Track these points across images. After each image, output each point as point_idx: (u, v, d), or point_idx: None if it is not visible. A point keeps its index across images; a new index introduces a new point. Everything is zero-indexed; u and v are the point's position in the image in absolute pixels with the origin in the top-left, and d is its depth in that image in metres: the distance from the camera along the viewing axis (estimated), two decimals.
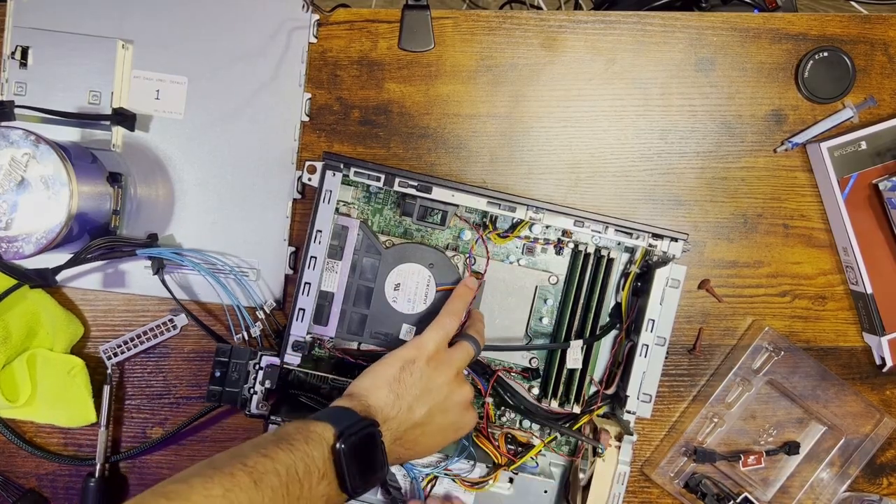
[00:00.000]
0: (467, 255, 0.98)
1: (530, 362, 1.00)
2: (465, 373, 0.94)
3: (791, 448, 1.05)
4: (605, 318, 0.99)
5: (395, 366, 0.84)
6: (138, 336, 1.02)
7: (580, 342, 0.96)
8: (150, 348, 1.03)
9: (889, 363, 1.02)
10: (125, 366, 1.04)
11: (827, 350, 1.05)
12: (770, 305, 1.05)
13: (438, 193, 0.92)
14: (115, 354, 1.02)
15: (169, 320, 1.02)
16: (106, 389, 1.02)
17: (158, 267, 0.99)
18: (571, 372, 0.97)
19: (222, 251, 1.01)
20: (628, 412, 0.94)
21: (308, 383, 0.98)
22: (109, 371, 1.02)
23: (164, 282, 0.99)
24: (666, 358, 0.95)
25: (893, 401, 1.06)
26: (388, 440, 0.80)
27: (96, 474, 1.02)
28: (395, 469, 0.96)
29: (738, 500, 1.02)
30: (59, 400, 1.00)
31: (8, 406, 0.98)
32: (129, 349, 1.02)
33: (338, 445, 0.73)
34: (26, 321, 0.98)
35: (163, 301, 1.02)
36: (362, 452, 0.75)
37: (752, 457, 1.04)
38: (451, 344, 0.89)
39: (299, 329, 0.91)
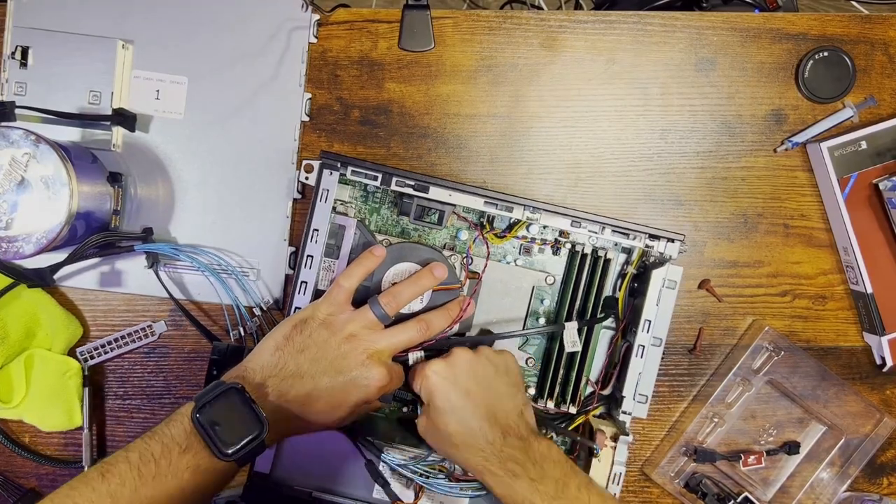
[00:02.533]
0: (465, 255, 0.98)
1: (526, 363, 1.00)
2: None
3: (791, 448, 1.04)
4: (601, 307, 0.99)
5: (286, 327, 0.87)
6: (116, 340, 1.03)
7: (575, 324, 0.95)
8: (129, 352, 1.03)
9: (889, 363, 1.02)
10: (125, 366, 1.04)
11: (827, 350, 1.05)
12: (770, 305, 1.05)
13: (436, 193, 0.92)
14: (92, 356, 1.02)
15: (147, 326, 1.03)
16: (85, 392, 1.02)
17: (153, 261, 0.99)
18: (568, 372, 0.97)
19: (222, 250, 1.02)
20: (624, 413, 0.94)
21: None
22: (86, 373, 1.02)
23: (157, 275, 1.00)
24: (663, 358, 0.95)
25: (893, 401, 1.06)
26: (273, 397, 0.82)
27: None
28: (389, 472, 0.96)
29: (739, 500, 1.02)
30: (50, 402, 1.00)
31: (1, 407, 0.98)
32: (105, 353, 1.02)
33: (193, 415, 0.76)
34: (25, 322, 0.98)
35: (163, 301, 1.03)
36: (225, 414, 0.77)
37: (752, 457, 1.04)
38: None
39: None
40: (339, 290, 0.89)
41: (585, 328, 0.97)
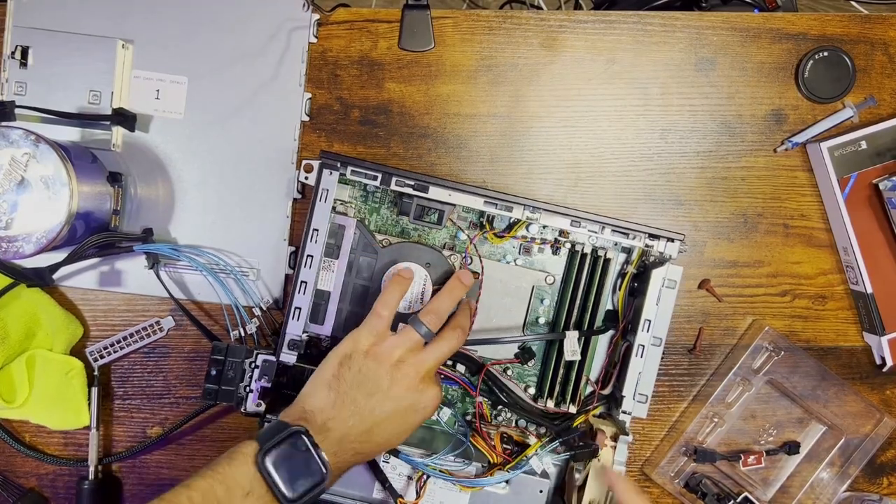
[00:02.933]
0: (463, 255, 0.98)
1: (528, 364, 1.00)
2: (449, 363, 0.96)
3: (791, 448, 1.04)
4: (601, 319, 0.99)
5: (332, 364, 0.85)
6: (125, 338, 1.03)
7: (575, 333, 0.95)
8: (135, 350, 1.04)
9: (889, 363, 1.02)
10: (125, 366, 1.04)
11: (827, 350, 1.05)
12: (770, 305, 1.05)
13: (435, 193, 0.92)
14: (102, 356, 1.02)
15: (155, 322, 1.03)
16: (94, 392, 1.02)
17: (154, 262, 0.99)
18: (568, 372, 0.97)
19: (222, 250, 1.02)
20: (624, 412, 0.93)
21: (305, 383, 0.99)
22: (96, 373, 1.02)
23: (158, 276, 1.00)
24: (663, 358, 0.95)
25: (893, 401, 1.06)
26: (335, 439, 0.81)
27: (89, 476, 1.02)
28: (389, 466, 0.96)
29: (738, 500, 1.02)
30: (55, 402, 1.00)
31: (4, 407, 0.98)
32: (115, 351, 1.02)
33: (259, 459, 0.75)
34: (25, 322, 0.98)
35: (163, 301, 1.03)
36: (289, 459, 0.77)
37: (752, 457, 1.04)
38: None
39: (295, 328, 0.92)
40: (378, 319, 0.87)
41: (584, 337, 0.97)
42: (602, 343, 1.00)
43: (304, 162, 0.93)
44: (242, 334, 1.01)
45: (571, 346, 0.95)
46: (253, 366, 0.93)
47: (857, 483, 1.05)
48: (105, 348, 1.02)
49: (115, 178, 0.97)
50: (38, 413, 1.01)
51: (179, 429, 1.03)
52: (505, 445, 0.98)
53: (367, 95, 1.03)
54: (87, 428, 1.02)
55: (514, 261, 1.00)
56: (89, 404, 1.02)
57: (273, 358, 0.93)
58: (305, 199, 1.02)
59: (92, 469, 1.02)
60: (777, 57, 1.03)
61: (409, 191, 0.92)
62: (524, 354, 0.99)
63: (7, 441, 1.03)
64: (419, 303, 0.96)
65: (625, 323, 0.98)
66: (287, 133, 1.02)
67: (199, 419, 1.04)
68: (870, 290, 1.00)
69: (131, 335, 1.02)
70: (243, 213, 1.02)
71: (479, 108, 1.03)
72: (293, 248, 1.02)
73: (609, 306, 1.00)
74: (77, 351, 1.03)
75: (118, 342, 1.02)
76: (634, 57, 1.03)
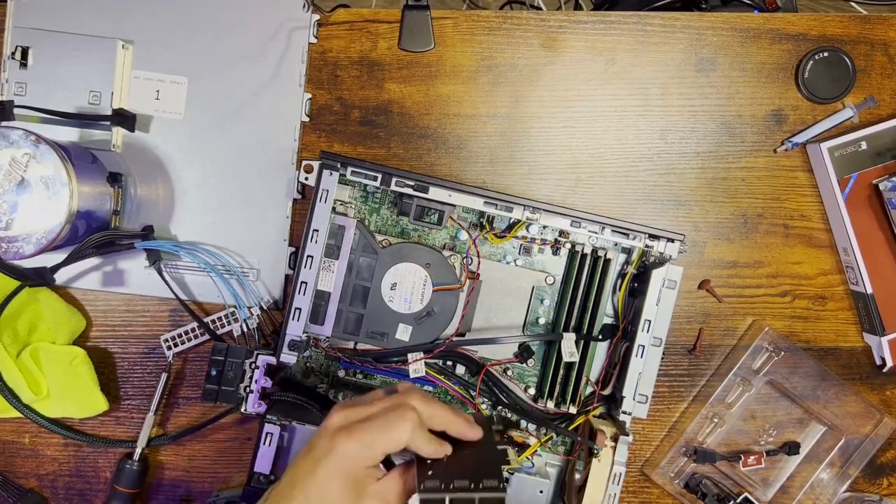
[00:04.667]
0: (464, 256, 0.98)
1: (527, 363, 1.00)
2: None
3: (791, 448, 1.04)
4: (601, 319, 0.99)
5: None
6: (198, 328, 1.02)
7: (573, 335, 0.95)
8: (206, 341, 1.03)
9: (889, 363, 1.02)
10: (125, 366, 1.04)
11: (827, 350, 1.05)
12: (770, 305, 1.05)
13: (435, 193, 0.92)
14: (176, 345, 1.02)
15: (231, 313, 1.02)
16: (163, 377, 1.02)
17: (155, 259, 0.99)
18: (568, 372, 0.97)
19: (222, 248, 1.02)
20: (624, 413, 0.94)
21: (304, 384, 0.99)
22: (170, 360, 1.03)
23: (160, 273, 1.00)
24: (663, 358, 0.95)
25: (893, 401, 1.06)
26: None
27: (136, 457, 1.02)
28: None
29: (739, 501, 1.02)
30: (66, 392, 0.99)
31: (34, 399, 0.99)
32: (188, 340, 1.03)
33: None
34: (28, 316, 0.98)
35: (163, 301, 1.03)
36: None
37: (752, 457, 1.04)
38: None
39: (295, 328, 0.92)
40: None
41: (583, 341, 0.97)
42: (602, 344, 1.00)
43: (304, 162, 0.93)
44: (245, 330, 1.01)
45: (569, 347, 0.95)
46: (253, 366, 0.93)
47: (857, 483, 1.05)
48: (178, 336, 1.02)
49: (115, 179, 0.97)
50: (56, 406, 1.00)
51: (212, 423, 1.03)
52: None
53: (367, 96, 1.03)
54: (106, 414, 1.02)
55: (515, 261, 1.00)
56: (159, 382, 1.02)
57: (273, 359, 0.93)
58: (305, 199, 1.02)
59: (139, 451, 1.02)
60: (777, 57, 1.03)
61: (409, 191, 0.92)
62: (524, 353, 0.99)
63: (52, 428, 1.02)
64: (419, 302, 0.96)
65: (625, 323, 0.98)
66: (287, 133, 1.02)
67: (199, 420, 1.04)
68: (870, 291, 1.00)
69: (204, 324, 1.02)
70: (243, 214, 1.02)
71: (479, 109, 1.03)
72: (293, 249, 1.02)
73: (609, 307, 1.00)
74: (85, 345, 1.03)
75: (192, 331, 1.02)
76: (634, 57, 1.03)
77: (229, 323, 1.01)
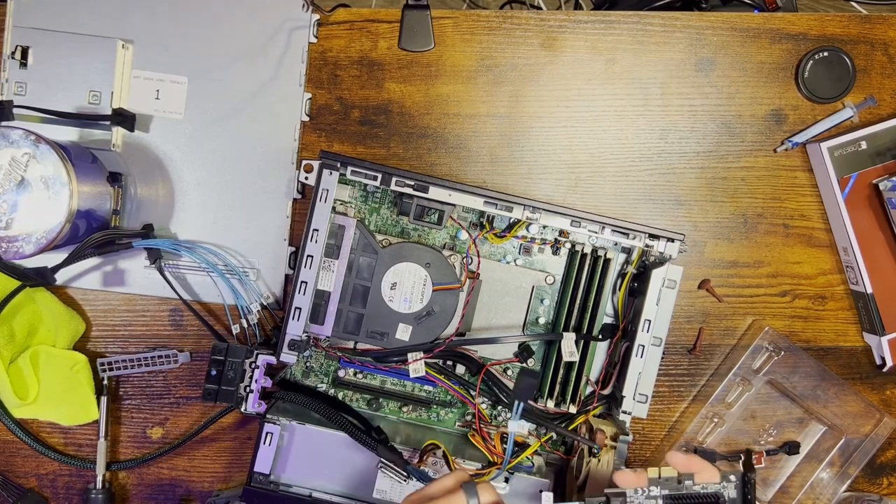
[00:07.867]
0: (464, 255, 0.98)
1: (527, 362, 1.00)
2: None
3: (791, 448, 1.04)
4: (601, 319, 0.99)
5: None
6: (137, 360, 1.02)
7: (573, 335, 0.95)
8: (146, 372, 1.04)
9: (889, 363, 1.02)
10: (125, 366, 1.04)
11: (827, 350, 1.05)
12: (770, 305, 1.05)
13: (435, 193, 0.92)
14: (112, 369, 1.02)
15: (172, 354, 1.02)
16: (103, 401, 1.02)
17: (155, 258, 0.99)
18: (568, 372, 0.97)
19: (222, 247, 1.02)
20: (624, 412, 0.94)
21: (305, 384, 0.99)
22: (105, 382, 1.02)
23: (161, 272, 1.00)
24: (663, 358, 0.95)
25: (893, 401, 1.06)
26: None
27: (98, 485, 1.02)
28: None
29: None
30: (62, 397, 1.00)
31: (19, 404, 0.98)
32: (125, 368, 1.02)
33: None
34: (28, 319, 0.98)
35: (163, 301, 1.03)
36: None
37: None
38: None
39: (295, 328, 0.92)
40: None
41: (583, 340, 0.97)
42: (602, 343, 1.00)
43: (304, 162, 0.93)
44: (245, 326, 1.01)
45: (569, 347, 0.95)
46: (253, 366, 0.93)
47: (857, 483, 1.05)
48: (116, 363, 1.02)
49: (115, 178, 0.97)
50: (48, 410, 1.01)
51: (192, 439, 1.04)
52: (504, 445, 0.98)
53: (367, 95, 1.03)
54: (92, 424, 1.03)
55: (515, 261, 1.00)
56: (98, 405, 1.02)
57: (273, 359, 0.93)
58: (305, 199, 1.02)
59: (100, 478, 1.02)
60: (777, 57, 1.03)
61: (409, 191, 0.92)
62: (524, 353, 0.99)
63: (24, 440, 1.02)
64: (419, 301, 0.96)
65: (625, 323, 0.98)
66: (287, 133, 1.02)
67: (199, 420, 1.04)
68: (870, 291, 1.00)
69: (145, 359, 1.02)
70: (243, 213, 1.02)
71: (479, 109, 1.03)
72: (293, 248, 1.02)
73: (609, 307, 1.00)
74: (80, 348, 1.03)
75: (131, 362, 1.02)
76: (634, 57, 1.03)
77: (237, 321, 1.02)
